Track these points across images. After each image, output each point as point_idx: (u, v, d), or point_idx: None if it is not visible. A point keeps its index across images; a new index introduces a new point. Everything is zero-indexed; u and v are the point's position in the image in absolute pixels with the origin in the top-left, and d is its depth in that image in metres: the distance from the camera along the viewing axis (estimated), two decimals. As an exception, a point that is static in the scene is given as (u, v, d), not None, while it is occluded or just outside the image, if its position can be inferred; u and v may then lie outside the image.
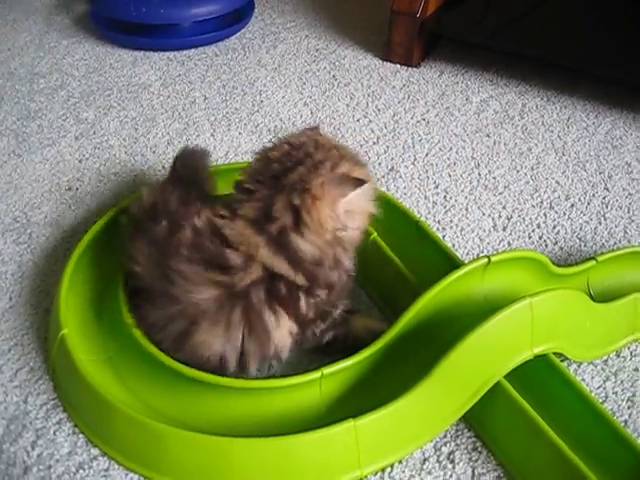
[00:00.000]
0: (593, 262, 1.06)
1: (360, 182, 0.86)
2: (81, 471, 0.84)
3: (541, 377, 0.92)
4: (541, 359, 0.91)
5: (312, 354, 0.97)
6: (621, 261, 1.09)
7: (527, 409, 0.85)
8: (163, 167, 1.32)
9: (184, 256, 0.86)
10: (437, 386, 0.85)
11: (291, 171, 0.86)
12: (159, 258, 0.88)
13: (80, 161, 1.35)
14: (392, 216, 1.09)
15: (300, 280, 0.86)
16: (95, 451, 0.87)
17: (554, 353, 0.93)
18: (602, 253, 1.08)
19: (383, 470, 0.86)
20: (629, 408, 0.95)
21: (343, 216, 0.87)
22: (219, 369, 0.87)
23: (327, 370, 0.87)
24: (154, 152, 1.37)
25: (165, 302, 0.87)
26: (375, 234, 1.08)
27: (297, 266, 0.86)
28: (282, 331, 0.88)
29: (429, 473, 0.86)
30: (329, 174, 0.86)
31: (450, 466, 0.86)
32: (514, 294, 0.91)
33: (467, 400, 0.87)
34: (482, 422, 0.90)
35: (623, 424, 0.93)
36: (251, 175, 0.90)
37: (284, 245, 0.85)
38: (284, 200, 0.85)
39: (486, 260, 0.92)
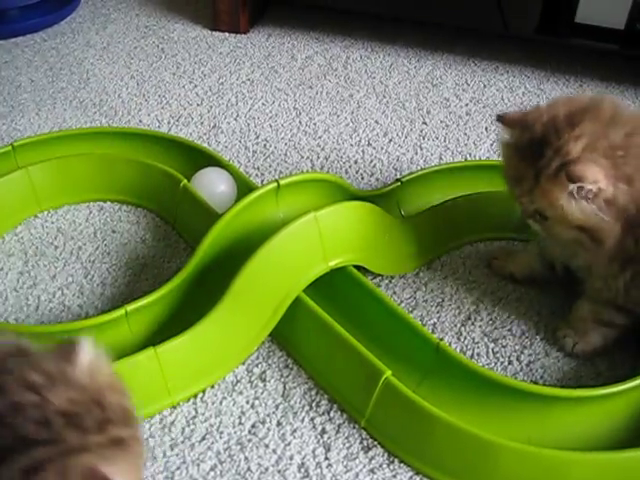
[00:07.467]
0: (398, 183, 1.10)
1: None
2: None
3: (344, 290, 0.95)
4: (342, 272, 0.95)
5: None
6: (428, 181, 1.13)
7: (325, 318, 0.88)
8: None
9: None
10: (234, 308, 0.87)
11: None
12: None
13: None
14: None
15: None
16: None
17: (358, 267, 0.97)
18: (406, 174, 1.12)
19: (195, 396, 0.87)
20: (438, 312, 1.00)
21: None
22: None
23: (130, 307, 0.88)
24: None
25: None
26: (185, 181, 1.08)
27: None
28: None
29: (240, 393, 0.88)
30: None
31: (261, 384, 0.89)
32: (310, 216, 0.94)
33: (269, 319, 0.90)
34: (290, 339, 0.92)
35: (432, 326, 0.98)
36: None
37: None
38: None
39: (275, 184, 0.95)
